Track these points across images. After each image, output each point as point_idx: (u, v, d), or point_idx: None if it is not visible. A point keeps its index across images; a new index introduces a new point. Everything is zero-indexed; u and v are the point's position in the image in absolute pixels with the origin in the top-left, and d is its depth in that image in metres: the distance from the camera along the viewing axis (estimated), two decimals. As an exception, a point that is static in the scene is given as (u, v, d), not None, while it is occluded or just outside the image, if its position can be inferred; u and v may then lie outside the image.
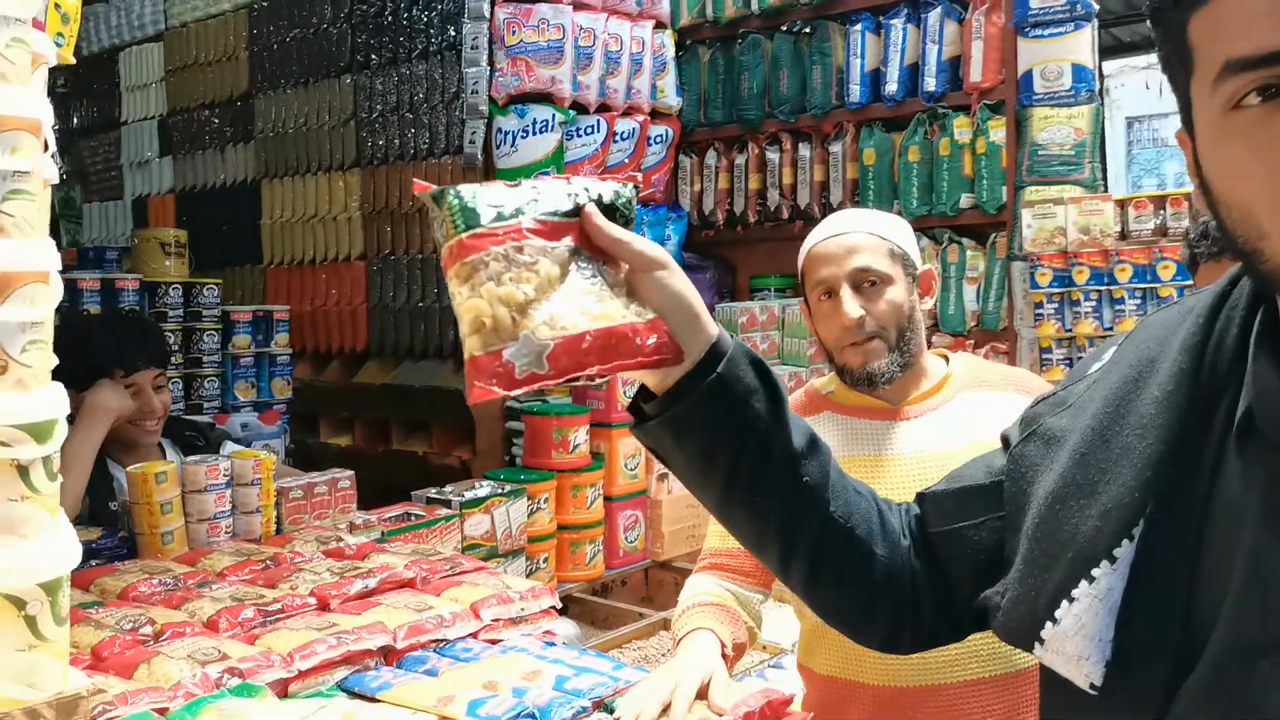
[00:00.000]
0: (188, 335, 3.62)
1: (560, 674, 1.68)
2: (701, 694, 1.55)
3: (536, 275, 0.91)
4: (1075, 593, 0.83)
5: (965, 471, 1.11)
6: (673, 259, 1.00)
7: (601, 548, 3.26)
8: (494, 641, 1.87)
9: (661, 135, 4.59)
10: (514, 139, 4.15)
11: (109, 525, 2.29)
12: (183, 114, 5.60)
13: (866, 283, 1.81)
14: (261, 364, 3.82)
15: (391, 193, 4.55)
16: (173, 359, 3.57)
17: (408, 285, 4.49)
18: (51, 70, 1.26)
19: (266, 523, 2.32)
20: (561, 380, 0.90)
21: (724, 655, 1.74)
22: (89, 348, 2.49)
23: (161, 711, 1.46)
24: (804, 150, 4.39)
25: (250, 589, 1.90)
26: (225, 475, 2.26)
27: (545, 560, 3.05)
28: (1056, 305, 3.59)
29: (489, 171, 4.19)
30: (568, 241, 0.95)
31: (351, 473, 2.50)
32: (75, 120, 6.39)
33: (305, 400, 4.83)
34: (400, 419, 4.53)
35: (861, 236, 1.84)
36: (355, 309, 4.71)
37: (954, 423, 1.81)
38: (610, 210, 0.98)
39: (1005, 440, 1.05)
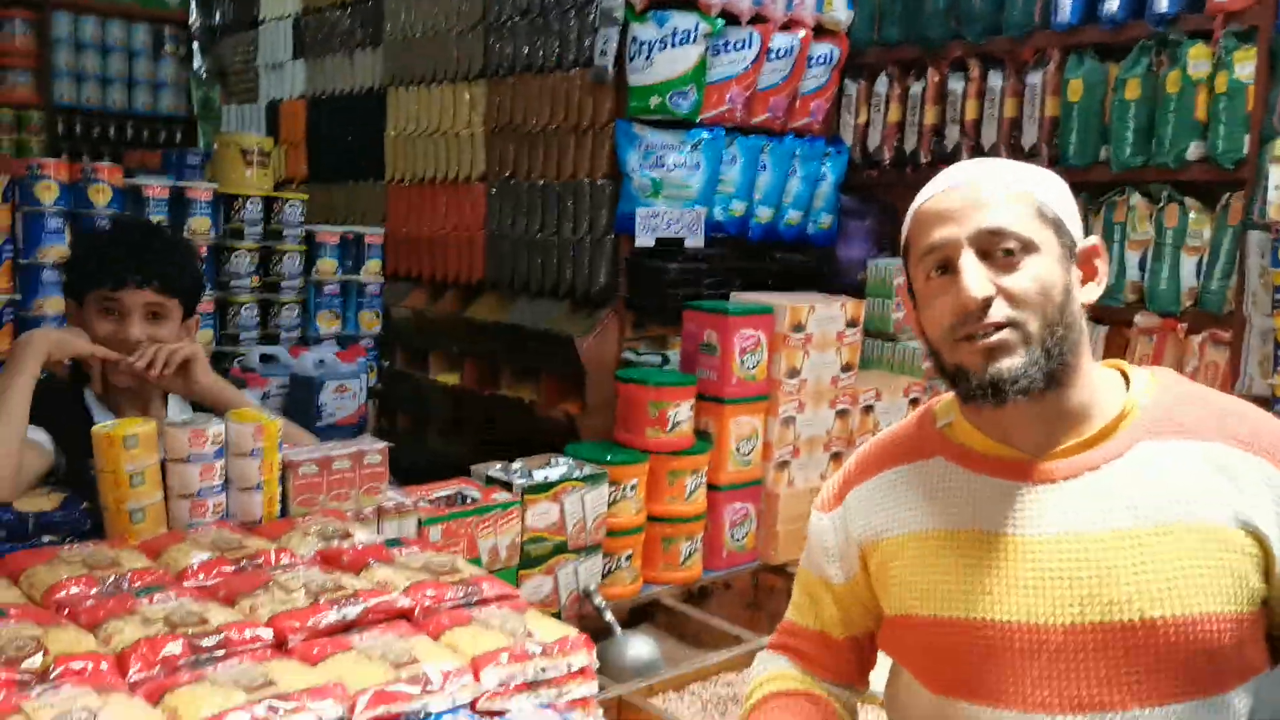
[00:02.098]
0: (266, 256, 3.23)
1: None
2: None
3: None
4: None
5: None
6: None
7: (700, 546, 2.74)
8: (495, 715, 1.39)
9: (825, 55, 3.93)
10: (650, 50, 3.59)
11: (84, 490, 1.90)
12: (315, 14, 5.27)
13: (1000, 249, 1.21)
14: (349, 293, 3.42)
15: (516, 108, 4.08)
16: (249, 283, 3.21)
17: (527, 213, 4.03)
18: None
19: (269, 502, 1.90)
20: None
21: None
22: (78, 258, 2.09)
23: (-28, 817, 1.04)
24: (994, 79, 3.67)
25: (199, 605, 1.48)
26: (216, 443, 1.83)
27: (628, 559, 2.56)
28: (1306, 290, 2.82)
29: (620, 88, 3.65)
30: None
31: (384, 445, 2.05)
32: (218, 17, 6.15)
33: (417, 332, 4.48)
34: (509, 362, 4.10)
35: (995, 188, 1.24)
36: (473, 236, 4.29)
37: (1126, 490, 1.19)
38: None
39: None
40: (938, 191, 1.28)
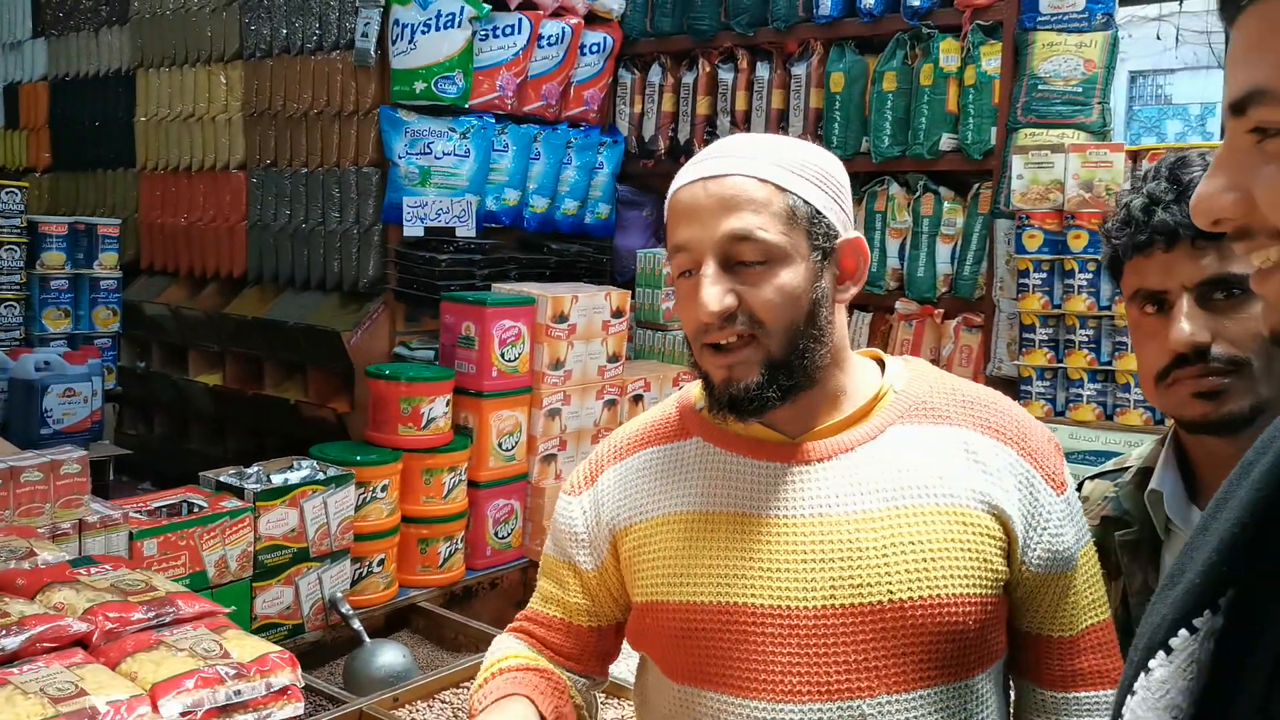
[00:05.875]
0: (-20, 249, 2.93)
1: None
2: None
3: None
4: None
5: None
6: None
7: (462, 545, 2.62)
8: (175, 750, 1.25)
9: (598, 44, 3.89)
10: (414, 34, 3.45)
11: None
12: (56, -13, 4.87)
13: (741, 260, 1.15)
14: (80, 288, 3.14)
15: (276, 92, 3.87)
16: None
17: (290, 202, 3.82)
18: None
19: (-56, 521, 1.68)
20: None
21: None
22: None
23: None
24: (762, 70, 3.70)
25: None
26: None
27: (381, 563, 2.42)
28: (1045, 275, 2.95)
29: (384, 72, 3.50)
30: None
31: (84, 453, 1.85)
32: (-52, -10, 5.60)
33: (176, 329, 4.19)
34: (273, 359, 3.88)
35: (747, 182, 1.16)
36: (234, 226, 4.04)
37: (878, 472, 1.17)
38: None
39: None
40: (690, 181, 1.19)
